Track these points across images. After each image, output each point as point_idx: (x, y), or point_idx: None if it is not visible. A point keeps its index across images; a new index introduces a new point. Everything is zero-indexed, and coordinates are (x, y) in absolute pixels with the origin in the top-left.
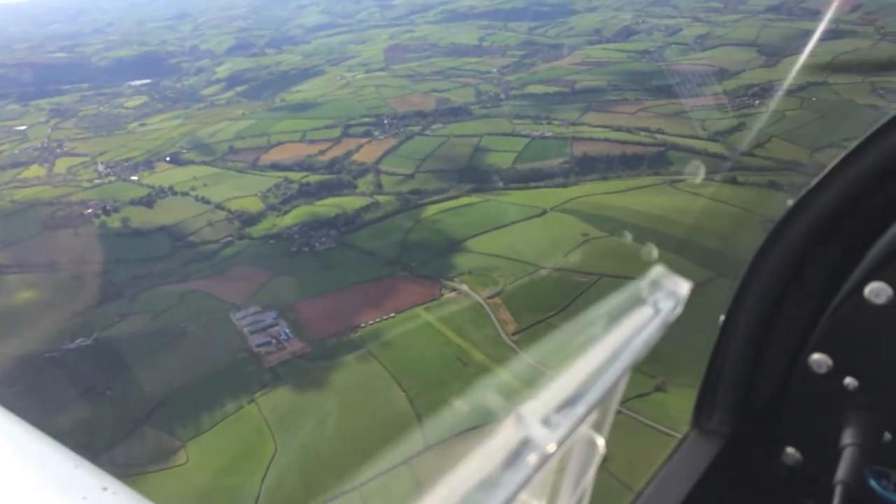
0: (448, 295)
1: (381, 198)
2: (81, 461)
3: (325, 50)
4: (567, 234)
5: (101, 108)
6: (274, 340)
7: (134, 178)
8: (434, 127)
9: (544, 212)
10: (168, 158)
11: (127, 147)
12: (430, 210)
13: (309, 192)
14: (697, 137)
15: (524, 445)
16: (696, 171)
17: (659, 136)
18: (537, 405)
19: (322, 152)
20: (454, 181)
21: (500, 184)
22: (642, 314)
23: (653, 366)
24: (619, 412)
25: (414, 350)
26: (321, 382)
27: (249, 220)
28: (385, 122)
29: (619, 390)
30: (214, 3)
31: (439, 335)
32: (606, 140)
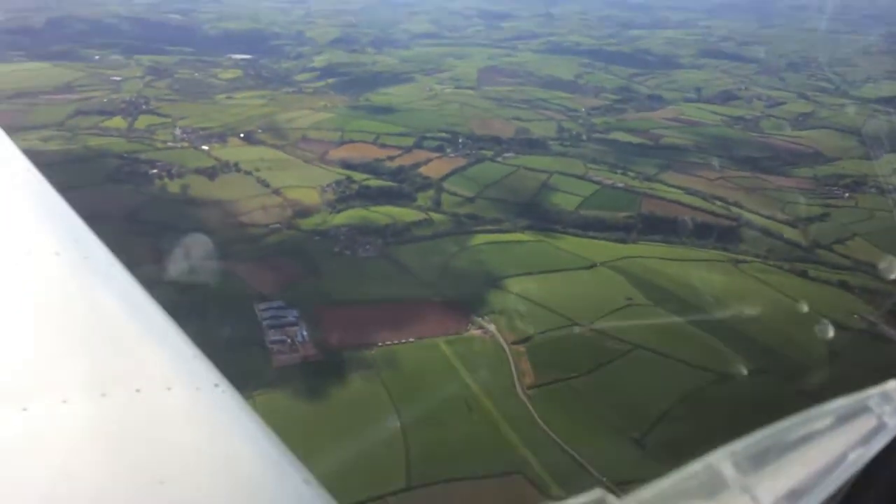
0: (473, 332)
1: (435, 215)
2: (199, 354)
3: (423, 58)
4: (611, 294)
5: (197, 74)
6: (289, 340)
7: (205, 147)
8: (507, 155)
9: (594, 265)
10: (242, 135)
11: (207, 117)
12: (480, 239)
13: (367, 196)
14: (775, 219)
15: None
16: (766, 256)
17: (734, 210)
18: (767, 488)
19: (391, 158)
20: (512, 214)
21: (559, 227)
22: (867, 424)
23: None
24: None
25: (423, 382)
26: (322, 395)
27: (302, 211)
28: (460, 140)
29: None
30: None
31: (453, 372)
32: (678, 203)
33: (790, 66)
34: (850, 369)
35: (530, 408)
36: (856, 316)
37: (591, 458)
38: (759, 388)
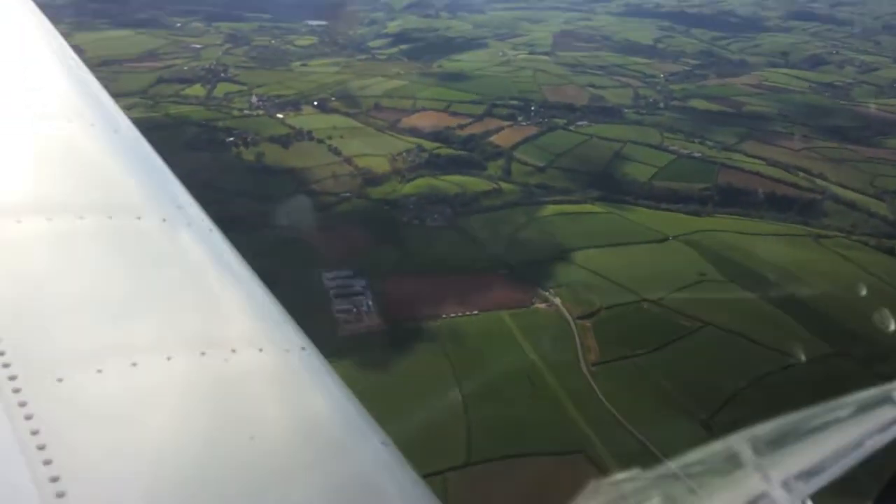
0: (538, 305)
1: (505, 185)
2: (288, 318)
3: (497, 23)
4: (683, 269)
5: (273, 41)
6: (355, 309)
7: (280, 115)
8: (579, 123)
9: (666, 238)
10: (315, 103)
11: (283, 84)
12: (549, 210)
13: (437, 165)
14: (862, 192)
15: (762, 499)
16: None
17: (818, 182)
18: (780, 469)
19: (461, 127)
20: (583, 185)
21: (630, 198)
22: (888, 414)
23: None
24: None
25: (486, 356)
26: (384, 367)
27: (372, 180)
28: (532, 108)
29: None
30: None
31: (516, 346)
32: (758, 174)
33: (886, 29)
34: None
35: (594, 385)
36: None
37: (656, 440)
38: (837, 373)
